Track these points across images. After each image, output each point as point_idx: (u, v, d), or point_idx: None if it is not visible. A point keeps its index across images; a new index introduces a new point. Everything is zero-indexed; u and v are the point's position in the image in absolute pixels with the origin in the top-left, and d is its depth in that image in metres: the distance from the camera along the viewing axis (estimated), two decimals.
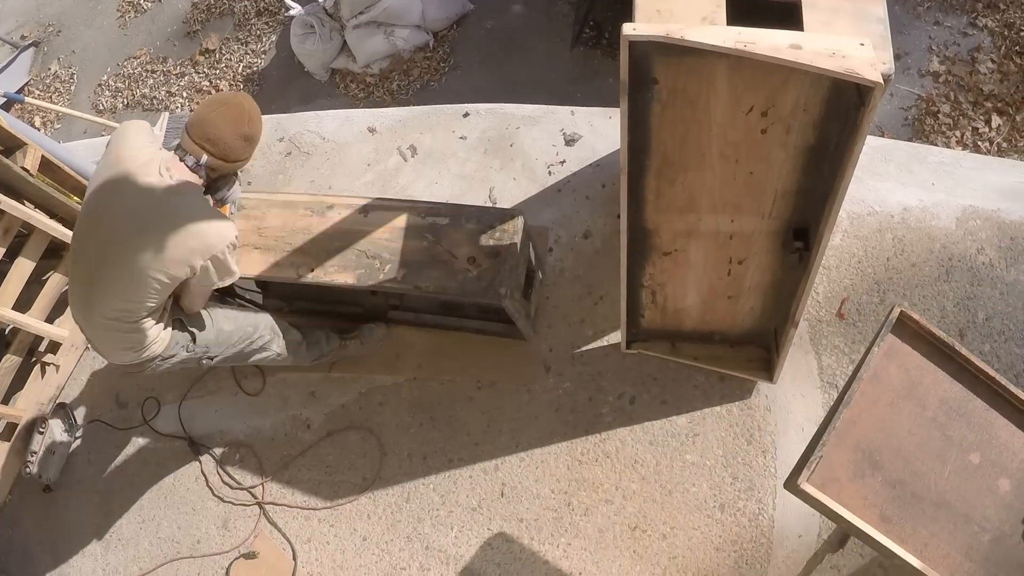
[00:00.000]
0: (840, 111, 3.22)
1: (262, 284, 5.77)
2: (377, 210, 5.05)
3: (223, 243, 4.01)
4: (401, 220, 4.97)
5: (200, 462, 5.82)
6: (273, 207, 5.19)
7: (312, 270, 4.93)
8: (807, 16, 3.66)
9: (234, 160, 4.17)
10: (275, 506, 5.62)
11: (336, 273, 4.90)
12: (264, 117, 6.67)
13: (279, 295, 5.83)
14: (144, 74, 8.93)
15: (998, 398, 3.75)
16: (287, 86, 8.33)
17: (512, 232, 4.79)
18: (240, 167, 4.36)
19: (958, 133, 6.50)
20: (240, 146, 4.12)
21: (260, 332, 4.85)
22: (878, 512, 3.58)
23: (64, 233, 5.82)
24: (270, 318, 4.97)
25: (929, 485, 3.63)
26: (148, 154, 4.06)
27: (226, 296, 5.23)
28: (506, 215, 4.86)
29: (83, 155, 6.71)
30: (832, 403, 4.23)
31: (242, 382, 5.92)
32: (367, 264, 4.88)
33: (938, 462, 3.67)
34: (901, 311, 3.77)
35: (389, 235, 4.93)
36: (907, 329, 3.79)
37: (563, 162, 6.01)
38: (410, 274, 4.79)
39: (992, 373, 3.74)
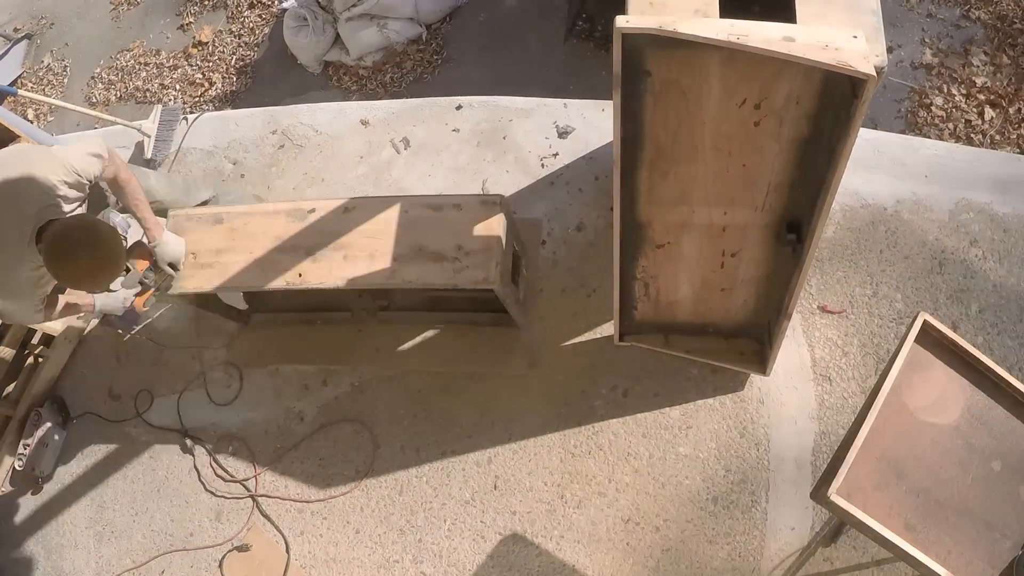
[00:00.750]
0: (833, 103, 3.22)
1: (248, 296, 5.79)
2: (358, 209, 5.05)
3: (62, 170, 4.21)
4: (383, 216, 4.96)
5: (194, 455, 5.82)
6: (253, 217, 5.20)
7: (298, 275, 4.92)
8: (800, 8, 3.66)
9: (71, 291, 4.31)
10: (268, 498, 5.62)
11: (320, 276, 4.91)
12: (257, 110, 6.74)
13: (265, 306, 5.85)
14: (137, 67, 8.91)
15: (1019, 406, 3.75)
16: (280, 79, 8.33)
17: (496, 217, 4.79)
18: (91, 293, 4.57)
19: (951, 125, 6.50)
20: (70, 285, 4.29)
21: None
22: (903, 520, 3.59)
23: None
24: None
25: (952, 493, 3.63)
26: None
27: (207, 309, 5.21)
28: (489, 200, 4.86)
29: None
30: (823, 393, 4.22)
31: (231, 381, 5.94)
32: (352, 264, 4.89)
33: (961, 470, 3.67)
34: (924, 320, 3.77)
35: (372, 233, 4.94)
36: (930, 338, 3.79)
37: (556, 155, 6.01)
38: (396, 270, 4.79)
39: (1013, 381, 3.75)
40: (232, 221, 5.17)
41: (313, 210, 5.08)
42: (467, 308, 5.32)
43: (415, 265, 4.80)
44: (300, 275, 4.90)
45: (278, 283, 4.94)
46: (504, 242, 4.78)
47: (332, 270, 4.90)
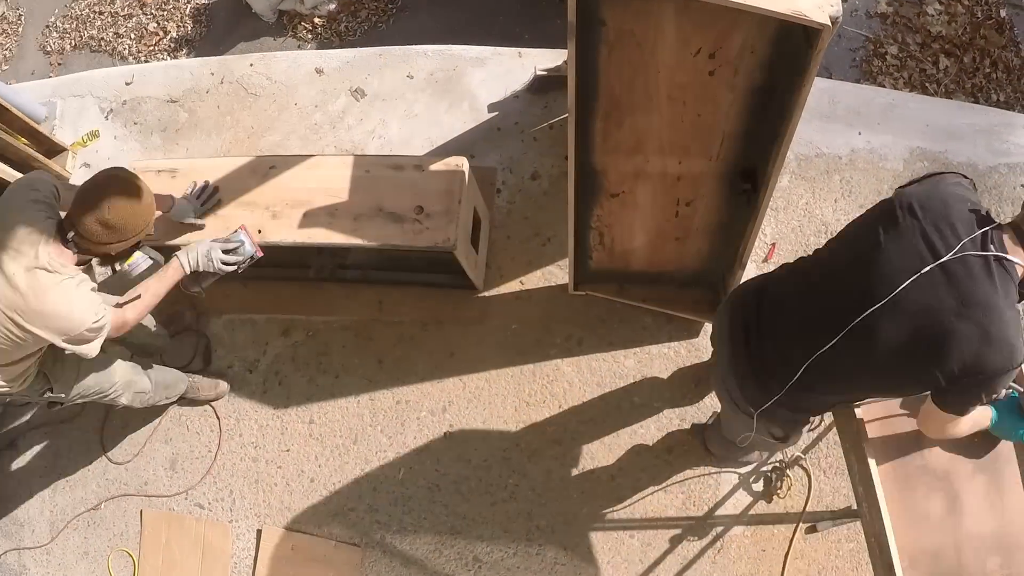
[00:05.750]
0: (788, 53, 3.22)
1: None
2: (319, 167, 5.06)
3: (81, 327, 3.85)
4: (344, 175, 4.94)
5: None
6: (212, 170, 5.17)
7: (257, 231, 4.85)
8: None
9: (97, 244, 3.85)
10: (223, 448, 5.62)
11: (281, 232, 4.91)
12: (211, 59, 6.66)
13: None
14: (92, 15, 8.81)
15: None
16: (235, 27, 8.25)
17: (457, 178, 4.78)
18: (116, 250, 3.96)
19: (906, 75, 6.52)
20: (100, 232, 3.79)
21: (115, 388, 4.78)
22: None
23: (11, 175, 5.75)
24: (128, 371, 4.87)
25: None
26: (28, 235, 3.80)
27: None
28: (451, 161, 4.83)
29: (31, 96, 6.65)
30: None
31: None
32: (312, 222, 4.87)
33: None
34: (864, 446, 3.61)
35: (333, 191, 4.92)
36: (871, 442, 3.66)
37: (511, 103, 6.00)
38: (356, 229, 4.77)
39: None
40: (191, 175, 5.13)
41: (274, 167, 5.06)
42: (424, 268, 5.31)
43: (375, 225, 4.78)
44: (260, 231, 4.86)
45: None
46: (463, 204, 4.78)
47: (292, 227, 4.88)
